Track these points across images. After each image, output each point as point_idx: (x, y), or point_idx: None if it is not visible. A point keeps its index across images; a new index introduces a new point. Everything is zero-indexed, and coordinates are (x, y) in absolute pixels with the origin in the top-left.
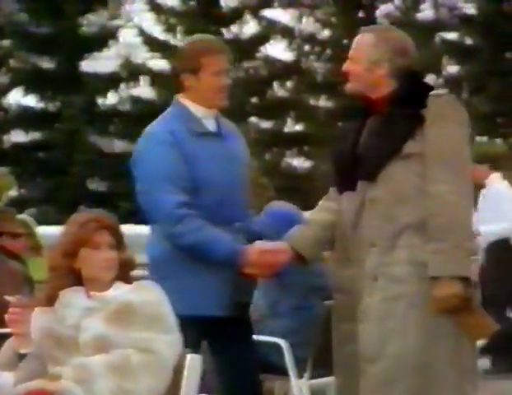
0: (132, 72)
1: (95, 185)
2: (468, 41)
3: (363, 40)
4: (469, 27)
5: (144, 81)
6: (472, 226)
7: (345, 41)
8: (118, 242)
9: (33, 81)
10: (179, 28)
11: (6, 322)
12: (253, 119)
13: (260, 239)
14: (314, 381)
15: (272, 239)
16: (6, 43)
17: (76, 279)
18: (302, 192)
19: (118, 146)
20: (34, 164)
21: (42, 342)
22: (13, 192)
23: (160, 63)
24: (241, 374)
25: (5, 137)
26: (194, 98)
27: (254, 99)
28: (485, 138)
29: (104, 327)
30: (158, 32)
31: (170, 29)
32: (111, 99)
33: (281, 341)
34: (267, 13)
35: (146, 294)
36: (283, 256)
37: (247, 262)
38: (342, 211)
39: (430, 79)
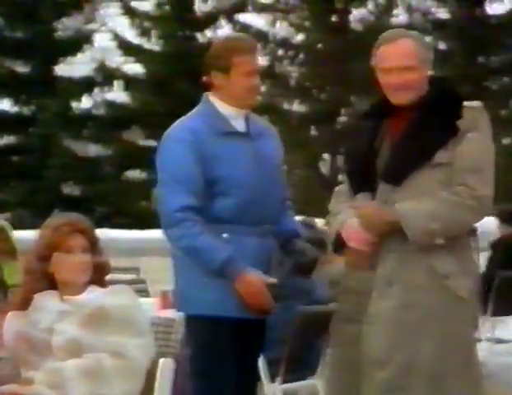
0: (106, 76)
1: (70, 189)
2: (441, 45)
3: (407, 46)
4: (442, 32)
5: (118, 85)
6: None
7: (318, 45)
8: (93, 245)
9: (7, 85)
10: (153, 32)
11: None
12: None
13: (297, 237)
14: (286, 385)
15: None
16: None
17: (51, 283)
18: None
19: (93, 150)
20: (8, 169)
21: (15, 346)
22: None
23: (134, 67)
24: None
25: None
26: (224, 97)
27: None
28: None
29: (77, 330)
30: (132, 36)
31: (145, 33)
32: (85, 103)
33: None
34: (241, 18)
35: (120, 298)
36: (266, 298)
37: (239, 280)
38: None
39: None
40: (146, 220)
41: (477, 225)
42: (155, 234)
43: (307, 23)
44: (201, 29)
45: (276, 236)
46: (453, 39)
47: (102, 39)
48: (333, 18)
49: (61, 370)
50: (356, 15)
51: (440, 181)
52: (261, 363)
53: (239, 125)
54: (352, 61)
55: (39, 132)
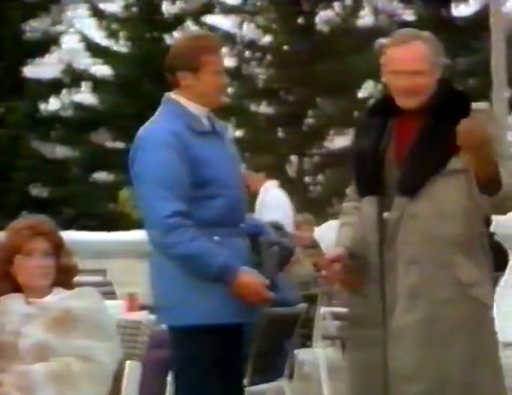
0: (74, 77)
1: (38, 191)
2: None
3: (418, 50)
4: None
5: (86, 86)
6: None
7: (285, 47)
8: (56, 248)
9: None
10: (121, 34)
11: None
12: None
13: (255, 241)
14: (253, 387)
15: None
16: None
17: (16, 285)
18: None
19: (61, 151)
20: None
21: None
22: None
23: (102, 69)
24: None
25: None
26: (190, 96)
27: None
28: None
29: (43, 333)
30: (100, 38)
31: (112, 35)
32: (53, 104)
33: None
34: (209, 19)
35: (86, 301)
36: (261, 296)
37: (237, 282)
38: (362, 216)
39: (368, 86)
40: (114, 223)
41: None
42: (123, 236)
43: (274, 25)
44: (168, 30)
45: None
46: None
47: (70, 41)
48: (300, 20)
49: (29, 374)
50: (323, 16)
51: (459, 188)
52: None
53: (207, 124)
54: (319, 62)
55: (6, 134)
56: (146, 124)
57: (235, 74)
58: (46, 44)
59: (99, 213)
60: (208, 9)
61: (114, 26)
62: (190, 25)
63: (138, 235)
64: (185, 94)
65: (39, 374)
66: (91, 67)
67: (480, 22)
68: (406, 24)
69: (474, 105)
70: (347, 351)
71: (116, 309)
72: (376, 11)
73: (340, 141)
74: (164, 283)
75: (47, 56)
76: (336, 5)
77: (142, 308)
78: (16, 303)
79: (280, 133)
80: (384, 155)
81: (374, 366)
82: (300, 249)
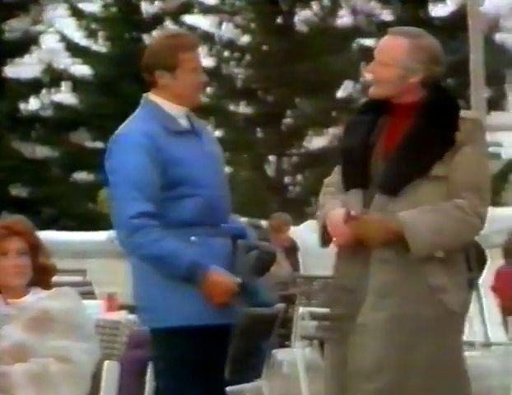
0: (53, 77)
1: (18, 191)
2: None
3: (395, 44)
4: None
5: (66, 86)
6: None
7: (264, 47)
8: (33, 248)
9: None
10: (100, 34)
11: None
12: None
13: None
14: (231, 387)
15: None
16: None
17: None
18: None
19: (40, 151)
20: None
21: None
22: None
23: (81, 69)
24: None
25: None
26: (168, 96)
27: None
28: None
29: (21, 334)
30: (80, 38)
31: (92, 34)
32: (33, 104)
33: None
34: (188, 19)
35: (65, 301)
36: (230, 293)
37: (206, 281)
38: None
39: (347, 86)
40: (93, 223)
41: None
42: (102, 236)
43: (253, 25)
44: (147, 30)
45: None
46: None
47: (49, 41)
48: (279, 20)
49: (8, 375)
50: (301, 16)
51: (438, 195)
52: None
53: (184, 123)
54: (298, 62)
55: None
56: (122, 125)
57: (213, 74)
58: (26, 43)
59: (78, 213)
60: (187, 9)
61: (93, 26)
62: (169, 25)
63: None
64: (163, 93)
65: (18, 375)
66: (71, 66)
67: (457, 22)
68: (384, 24)
69: (463, 113)
70: (329, 348)
71: (95, 309)
72: (354, 11)
73: (319, 141)
74: (144, 284)
75: (27, 56)
76: (314, 5)
77: (122, 308)
78: None
79: (259, 133)
80: (372, 151)
81: (338, 364)
82: (280, 250)
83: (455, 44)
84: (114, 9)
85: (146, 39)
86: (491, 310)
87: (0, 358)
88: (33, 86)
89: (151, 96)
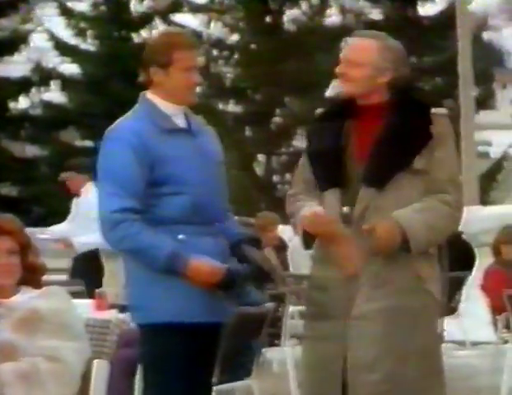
0: (43, 76)
1: (7, 190)
2: None
3: (366, 45)
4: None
5: (55, 85)
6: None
7: (252, 46)
8: (23, 247)
9: None
10: (89, 32)
11: None
12: None
13: (239, 240)
14: (221, 386)
15: None
16: None
17: None
18: None
19: (30, 150)
20: None
21: None
22: None
23: (70, 68)
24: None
25: None
26: (163, 94)
27: None
28: None
29: (11, 334)
30: (69, 37)
31: (81, 33)
32: (22, 103)
33: None
34: (176, 18)
35: (54, 300)
36: (215, 278)
37: (188, 270)
38: (325, 208)
39: (335, 85)
40: None
41: None
42: None
43: (241, 24)
44: (136, 29)
45: (225, 236)
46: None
47: (38, 40)
48: (267, 19)
49: None
50: (290, 15)
51: (418, 188)
52: None
53: (180, 122)
54: (286, 61)
55: None
56: (116, 122)
57: (202, 73)
58: (15, 42)
59: (68, 212)
60: (176, 8)
61: (82, 25)
62: (158, 24)
63: None
64: (158, 92)
65: (8, 374)
66: (60, 65)
67: (446, 21)
68: (373, 23)
69: (435, 110)
70: (304, 347)
71: (85, 308)
72: (343, 10)
73: None
74: (134, 280)
75: (16, 55)
76: (303, 4)
77: (111, 307)
78: None
79: (247, 132)
80: (345, 154)
81: (332, 359)
82: (268, 249)
83: (444, 43)
84: (102, 8)
85: (135, 38)
86: (480, 309)
87: None
88: (22, 85)
89: (148, 94)
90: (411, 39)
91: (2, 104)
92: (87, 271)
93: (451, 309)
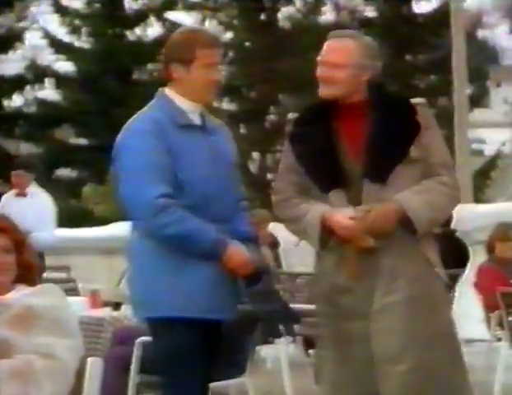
0: (37, 74)
1: (1, 188)
2: None
3: (345, 45)
4: (370, 30)
5: (49, 83)
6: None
7: (247, 44)
8: (17, 245)
9: None
10: (83, 30)
11: None
12: None
13: (250, 240)
14: (215, 384)
15: None
16: None
17: None
18: None
19: (24, 148)
20: None
21: None
22: None
23: (65, 65)
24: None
25: None
26: (181, 91)
27: None
28: None
29: (5, 331)
30: (63, 34)
31: (75, 31)
32: (17, 101)
33: None
34: (171, 15)
35: (48, 298)
36: (245, 270)
37: (229, 256)
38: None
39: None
40: (77, 219)
41: None
42: (86, 232)
43: (236, 21)
44: (131, 27)
45: (233, 235)
46: (381, 38)
47: (33, 37)
48: (262, 16)
49: None
50: (284, 13)
51: (416, 177)
52: None
53: (196, 119)
54: (281, 59)
55: None
56: (133, 117)
57: None
58: (9, 40)
59: (61, 210)
60: (170, 5)
61: (77, 22)
62: (152, 22)
63: (101, 232)
64: (177, 88)
65: (2, 371)
66: (54, 63)
67: (440, 19)
68: (367, 20)
69: (415, 101)
70: (326, 348)
71: (79, 305)
72: (337, 8)
73: None
74: (140, 275)
75: (10, 52)
76: (297, 1)
77: (105, 304)
78: None
79: (242, 130)
80: (340, 153)
81: (360, 356)
82: (264, 248)
83: (438, 41)
84: (97, 5)
85: (130, 35)
86: (473, 307)
87: None
88: (17, 83)
89: (166, 90)
90: (405, 36)
91: None
92: None
93: None
